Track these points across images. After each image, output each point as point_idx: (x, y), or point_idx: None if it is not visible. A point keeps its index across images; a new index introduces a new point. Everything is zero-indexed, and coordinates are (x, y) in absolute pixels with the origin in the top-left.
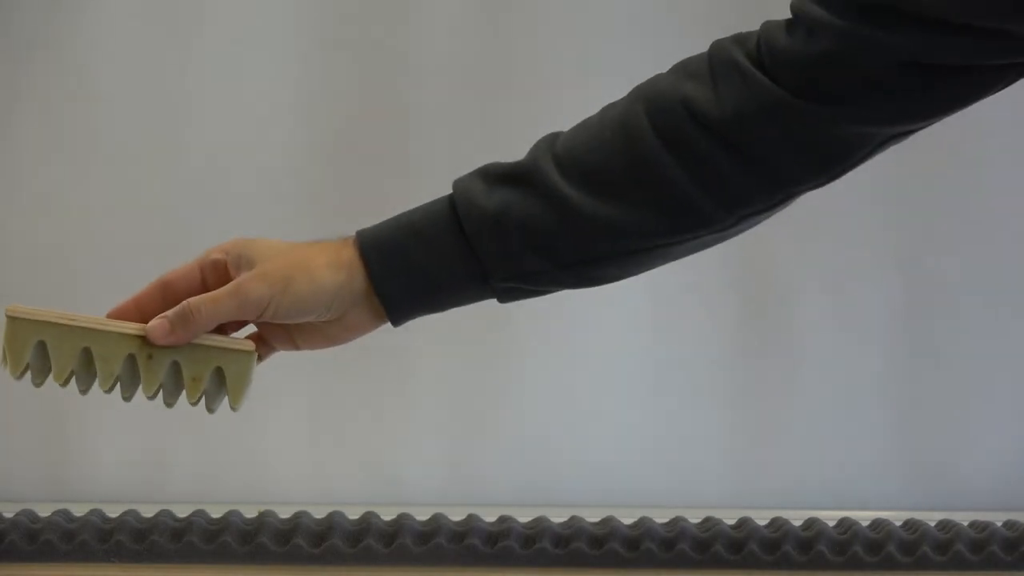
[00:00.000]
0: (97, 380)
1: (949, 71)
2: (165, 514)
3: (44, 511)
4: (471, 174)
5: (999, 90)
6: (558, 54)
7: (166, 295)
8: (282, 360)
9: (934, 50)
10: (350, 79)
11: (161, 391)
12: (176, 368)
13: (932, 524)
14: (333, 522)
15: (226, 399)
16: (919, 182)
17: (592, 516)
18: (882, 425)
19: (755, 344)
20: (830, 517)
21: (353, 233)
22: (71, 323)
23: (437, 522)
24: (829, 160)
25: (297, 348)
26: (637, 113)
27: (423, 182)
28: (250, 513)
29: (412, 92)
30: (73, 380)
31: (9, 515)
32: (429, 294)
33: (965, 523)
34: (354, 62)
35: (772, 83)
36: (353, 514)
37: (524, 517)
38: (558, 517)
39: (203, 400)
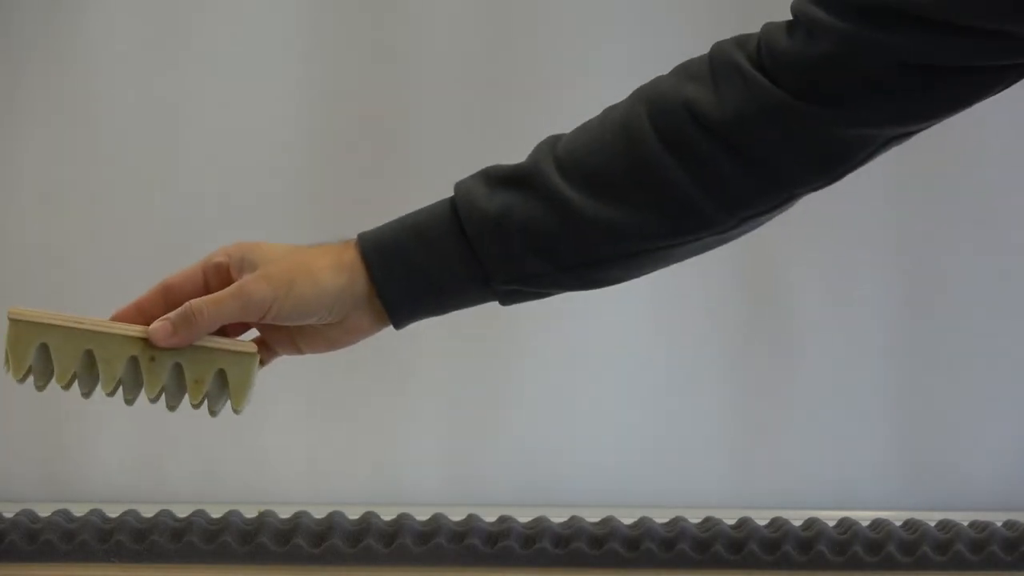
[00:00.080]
0: (100, 383)
1: (949, 72)
2: (165, 514)
3: (44, 511)
4: (473, 176)
5: (1000, 91)
6: (558, 54)
7: (168, 298)
8: (282, 359)
9: (934, 51)
10: (350, 79)
11: (164, 394)
12: (179, 370)
13: (932, 524)
14: (333, 522)
15: (228, 402)
16: (920, 182)
17: (592, 516)
18: (882, 425)
19: (755, 344)
20: (830, 517)
21: (354, 235)
22: (74, 325)
23: (437, 522)
24: (830, 162)
25: (300, 352)
26: (638, 115)
27: (423, 182)
28: (250, 513)
29: (412, 92)
30: (75, 384)
31: (9, 515)
32: (431, 297)
33: (965, 523)
34: (354, 63)
35: (773, 85)
36: (353, 514)
37: (524, 517)
38: (558, 517)
39: (205, 403)
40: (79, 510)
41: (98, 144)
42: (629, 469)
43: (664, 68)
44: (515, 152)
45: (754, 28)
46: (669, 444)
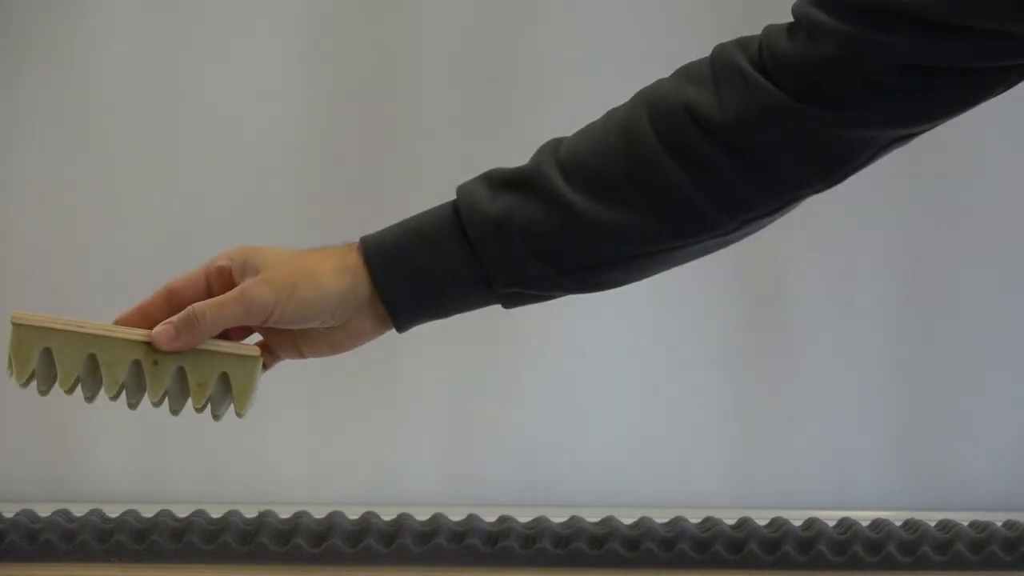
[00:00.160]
0: (103, 387)
1: (950, 73)
2: (165, 514)
3: (44, 511)
4: (475, 179)
5: (1000, 92)
6: (558, 54)
7: (171, 302)
8: (284, 361)
9: (935, 52)
10: (350, 79)
11: (167, 398)
12: (182, 374)
13: (932, 524)
14: (333, 522)
15: (231, 405)
16: (920, 183)
17: (592, 516)
18: (882, 425)
19: (755, 344)
20: (830, 517)
21: (355, 237)
22: (76, 329)
23: (437, 522)
24: (832, 164)
25: (302, 356)
26: (640, 118)
27: (423, 182)
28: (250, 513)
29: (412, 92)
30: (79, 388)
31: (9, 515)
32: (433, 300)
33: (965, 523)
34: (354, 63)
35: (774, 87)
36: (353, 514)
37: (524, 517)
38: (558, 517)
39: (208, 407)
40: (79, 510)
41: (98, 144)
42: (629, 469)
43: (664, 68)
44: (515, 152)
45: (754, 28)
46: (669, 444)
